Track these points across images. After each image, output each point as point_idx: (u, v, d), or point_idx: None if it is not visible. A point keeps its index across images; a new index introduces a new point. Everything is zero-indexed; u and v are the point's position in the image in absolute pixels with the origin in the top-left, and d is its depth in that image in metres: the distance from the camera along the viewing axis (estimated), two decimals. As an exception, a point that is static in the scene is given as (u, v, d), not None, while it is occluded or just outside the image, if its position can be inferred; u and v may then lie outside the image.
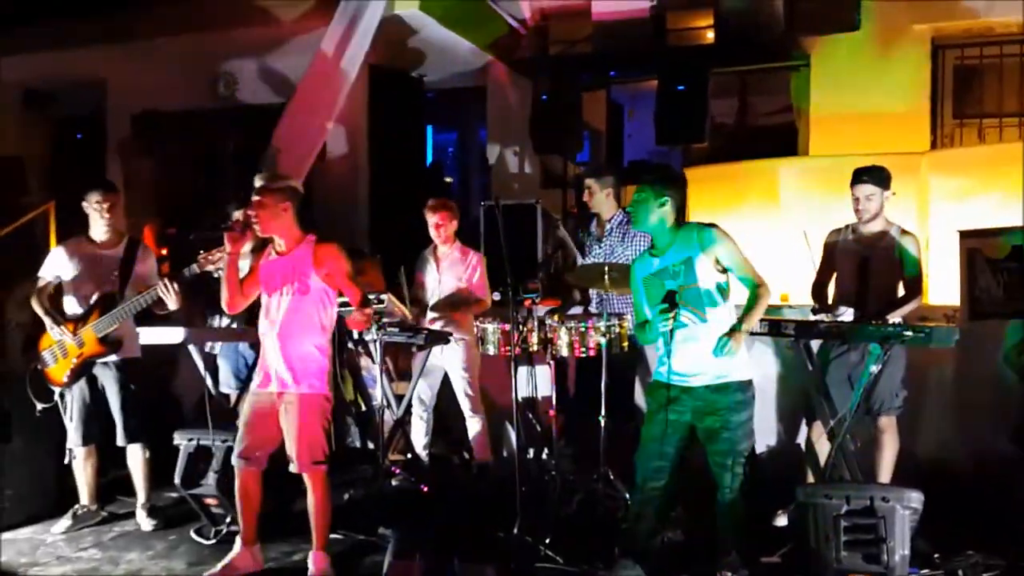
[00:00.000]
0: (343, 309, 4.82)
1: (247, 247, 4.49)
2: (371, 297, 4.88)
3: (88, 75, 9.84)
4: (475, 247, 5.97)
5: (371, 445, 6.24)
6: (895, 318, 4.42)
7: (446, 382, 5.71)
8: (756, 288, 3.84)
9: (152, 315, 4.95)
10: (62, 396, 4.95)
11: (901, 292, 4.63)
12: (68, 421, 4.97)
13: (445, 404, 5.82)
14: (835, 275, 4.88)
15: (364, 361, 6.35)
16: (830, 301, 4.84)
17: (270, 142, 8.15)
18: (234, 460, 4.24)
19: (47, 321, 4.82)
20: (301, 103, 8.32)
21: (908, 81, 8.55)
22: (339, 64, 8.21)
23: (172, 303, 4.66)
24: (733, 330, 3.77)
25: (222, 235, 4.24)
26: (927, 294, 5.54)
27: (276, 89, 9.33)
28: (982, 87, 8.88)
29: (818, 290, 4.92)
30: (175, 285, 4.60)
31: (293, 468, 4.13)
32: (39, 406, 4.91)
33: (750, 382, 3.89)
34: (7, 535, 4.88)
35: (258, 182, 4.24)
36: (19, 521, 5.04)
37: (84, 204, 4.97)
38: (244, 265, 4.40)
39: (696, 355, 3.81)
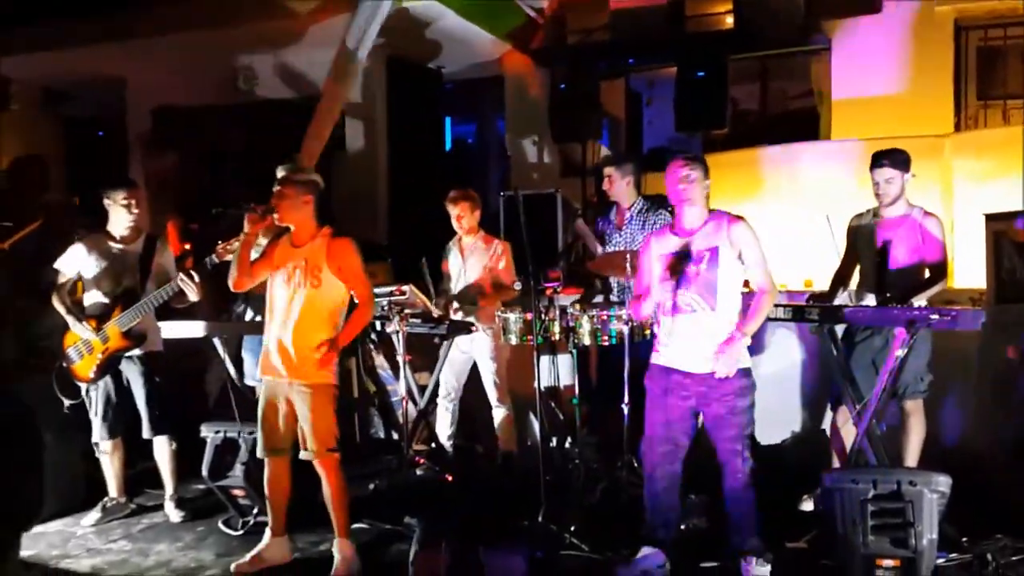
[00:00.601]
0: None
1: (263, 239, 4.52)
2: (384, 291, 4.92)
3: (106, 73, 9.89)
4: (495, 236, 5.97)
5: (395, 435, 6.27)
6: (920, 301, 4.38)
7: (472, 372, 5.72)
8: (763, 292, 3.85)
9: (174, 309, 5.00)
10: (87, 392, 5.00)
11: (926, 275, 4.58)
12: (93, 416, 5.02)
13: (468, 394, 5.83)
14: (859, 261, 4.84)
15: (379, 360, 6.37)
16: (853, 287, 4.81)
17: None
18: (260, 452, 4.28)
19: (70, 319, 4.87)
20: (328, 101, 8.33)
21: (931, 63, 8.47)
22: (360, 57, 8.20)
23: (193, 295, 4.76)
24: (731, 339, 3.79)
25: (243, 214, 4.26)
26: (952, 277, 5.48)
27: (294, 84, 9.36)
28: (1006, 68, 8.78)
29: (839, 279, 4.88)
30: (195, 277, 4.67)
31: (304, 455, 4.17)
32: (66, 403, 4.97)
33: (750, 370, 3.91)
34: (37, 528, 4.93)
35: (281, 172, 4.26)
36: (49, 514, 5.09)
37: (106, 201, 5.00)
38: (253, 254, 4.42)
39: (702, 343, 3.81)
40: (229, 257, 4.48)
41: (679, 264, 3.86)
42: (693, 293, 3.84)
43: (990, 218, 5.18)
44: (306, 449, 4.15)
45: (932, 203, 5.14)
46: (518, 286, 5.46)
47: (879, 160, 4.59)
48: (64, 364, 4.95)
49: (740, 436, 3.83)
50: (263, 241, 4.49)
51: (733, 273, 3.83)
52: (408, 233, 8.92)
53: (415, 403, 5.44)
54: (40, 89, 10.61)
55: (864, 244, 4.75)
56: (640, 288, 4.09)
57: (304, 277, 4.15)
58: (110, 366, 4.93)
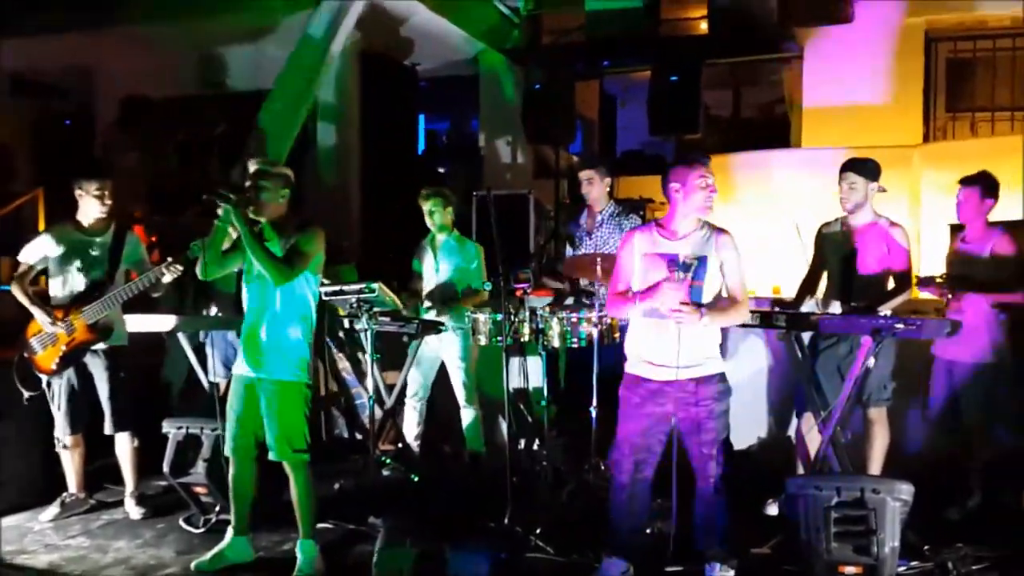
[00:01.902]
0: (330, 299, 4.82)
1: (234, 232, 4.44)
2: (353, 289, 4.86)
3: (76, 62, 9.76)
4: (467, 237, 5.95)
5: (359, 436, 6.23)
6: (885, 310, 4.42)
7: (442, 373, 5.70)
8: (737, 302, 3.82)
9: (142, 303, 4.93)
10: (49, 384, 4.92)
11: (891, 285, 4.63)
12: (56, 410, 4.94)
13: (435, 394, 5.81)
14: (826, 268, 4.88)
15: (343, 364, 6.33)
16: (820, 295, 4.84)
17: (255, 128, 8.10)
18: (226, 449, 4.22)
19: (33, 309, 4.78)
20: (288, 89, 8.26)
21: (901, 74, 8.58)
22: (326, 49, 8.13)
23: (168, 279, 4.68)
24: (696, 304, 3.68)
25: (213, 211, 4.11)
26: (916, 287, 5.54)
27: (263, 76, 9.27)
28: (975, 80, 8.92)
29: (804, 286, 4.90)
30: (178, 267, 4.62)
31: (272, 456, 4.11)
32: (26, 394, 4.88)
33: (725, 375, 3.89)
34: (-6, 522, 4.86)
35: (254, 166, 4.19)
36: (7, 509, 5.00)
37: (77, 192, 4.92)
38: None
39: (685, 348, 3.77)
40: None
41: (664, 264, 3.78)
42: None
43: (955, 228, 5.24)
44: (273, 449, 4.10)
45: (900, 213, 5.20)
46: (488, 287, 5.46)
47: (846, 166, 4.65)
48: (25, 354, 4.86)
49: (715, 441, 3.81)
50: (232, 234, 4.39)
51: (714, 284, 3.81)
52: (380, 230, 8.89)
53: (382, 403, 5.40)
54: (7, 77, 10.43)
55: (831, 252, 4.79)
56: (620, 284, 3.95)
57: None
58: (74, 359, 4.85)
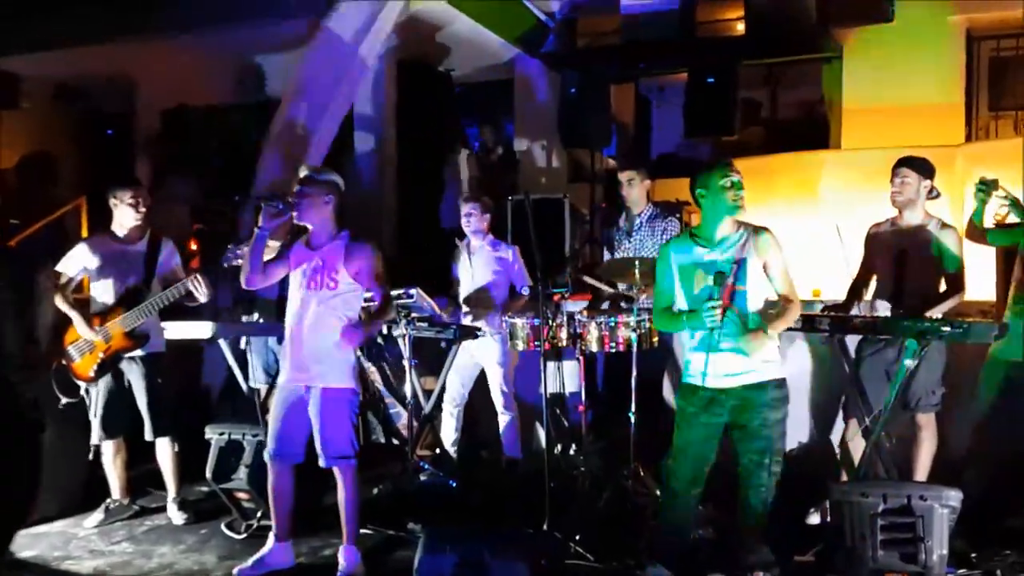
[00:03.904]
0: (368, 304, 4.83)
1: (275, 243, 4.47)
2: (398, 293, 4.89)
3: (118, 70, 9.89)
4: (503, 240, 5.94)
5: (395, 442, 6.24)
6: (935, 314, 4.34)
7: (479, 378, 5.69)
8: (788, 302, 3.76)
9: (182, 309, 4.98)
10: (87, 391, 4.98)
11: (942, 288, 4.54)
12: (93, 416, 5.00)
13: (473, 400, 5.80)
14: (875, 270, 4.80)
15: (373, 375, 6.33)
16: (869, 297, 4.76)
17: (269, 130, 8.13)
18: (266, 456, 4.25)
19: (74, 316, 4.85)
20: (311, 91, 8.27)
21: (942, 73, 8.45)
22: (354, 53, 8.14)
23: (202, 296, 4.75)
24: (757, 328, 3.68)
25: (258, 208, 4.18)
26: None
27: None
28: (1018, 79, 8.74)
29: (854, 289, 4.83)
30: (205, 278, 4.67)
31: (321, 462, 4.13)
32: (63, 400, 4.94)
33: (784, 380, 3.82)
34: (40, 528, 4.92)
35: (303, 171, 4.23)
36: (52, 515, 5.08)
37: (112, 201, 4.99)
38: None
39: (734, 356, 3.72)
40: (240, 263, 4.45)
41: (704, 273, 3.73)
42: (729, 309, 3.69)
43: (1000, 227, 5.13)
44: (322, 455, 4.12)
45: (943, 214, 5.11)
46: (526, 291, 5.45)
47: (900, 162, 4.58)
48: (64, 362, 4.93)
49: (768, 449, 3.72)
50: (274, 244, 4.43)
51: (760, 285, 3.73)
52: (417, 236, 8.91)
53: (420, 408, 5.41)
54: (52, 86, 10.60)
55: (880, 254, 4.71)
56: (662, 301, 3.93)
57: (320, 278, 4.12)
58: (110, 366, 4.91)
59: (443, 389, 5.53)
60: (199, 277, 4.70)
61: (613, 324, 4.89)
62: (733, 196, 3.72)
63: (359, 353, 6.10)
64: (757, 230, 3.77)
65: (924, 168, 4.54)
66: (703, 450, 3.82)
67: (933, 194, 4.59)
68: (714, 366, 3.72)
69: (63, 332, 4.91)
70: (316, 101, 8.16)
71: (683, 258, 3.83)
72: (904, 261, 4.54)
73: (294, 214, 4.12)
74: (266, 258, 4.22)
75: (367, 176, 9.42)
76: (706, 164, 3.85)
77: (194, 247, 6.81)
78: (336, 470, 4.14)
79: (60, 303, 4.86)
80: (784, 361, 3.87)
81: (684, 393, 3.89)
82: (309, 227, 4.19)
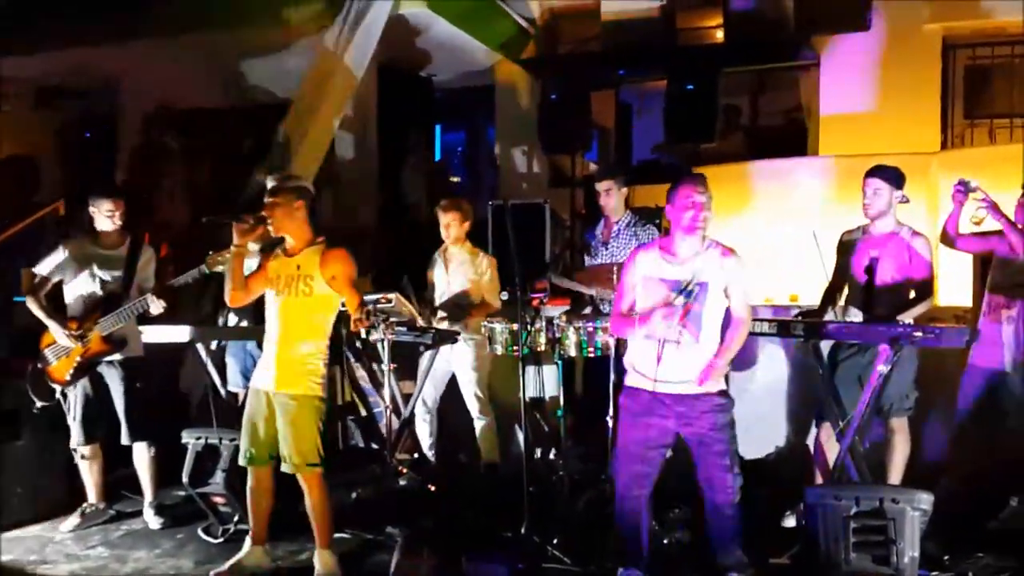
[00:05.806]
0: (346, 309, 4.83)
1: (255, 246, 4.47)
2: (371, 299, 4.89)
3: (101, 73, 9.83)
4: (483, 246, 5.95)
5: (374, 446, 6.24)
6: (906, 319, 4.39)
7: (451, 384, 5.69)
8: (741, 322, 3.83)
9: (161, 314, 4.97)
10: (64, 395, 4.96)
11: (912, 294, 4.59)
12: (71, 420, 4.98)
13: (452, 404, 5.81)
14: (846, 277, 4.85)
15: (360, 372, 6.34)
16: (842, 303, 4.81)
17: (275, 139, 8.13)
18: (242, 460, 4.24)
19: (48, 321, 4.82)
20: (306, 101, 8.28)
21: (918, 81, 8.52)
22: (344, 62, 8.15)
23: (155, 312, 4.77)
24: (711, 366, 3.75)
25: (231, 223, 4.19)
26: (936, 295, 5.51)
27: (289, 88, 9.30)
28: (993, 87, 8.85)
29: (829, 294, 4.88)
30: (160, 300, 4.72)
31: (285, 468, 4.12)
32: (38, 404, 4.92)
33: (726, 389, 3.89)
34: (16, 533, 4.90)
35: (271, 182, 4.23)
36: (28, 519, 5.06)
37: (91, 208, 4.98)
38: (251, 264, 4.38)
39: (683, 365, 3.77)
40: (219, 268, 4.43)
41: (665, 290, 3.78)
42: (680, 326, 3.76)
43: (977, 235, 5.19)
44: (287, 462, 4.11)
45: (918, 221, 5.17)
46: (504, 296, 5.45)
47: (871, 172, 4.62)
48: (39, 365, 4.90)
49: (728, 451, 3.78)
50: (254, 247, 4.42)
51: (718, 305, 3.80)
52: (397, 241, 8.90)
53: (399, 412, 5.41)
54: (35, 90, 10.52)
55: (852, 260, 4.76)
56: (623, 305, 3.97)
57: (295, 285, 4.12)
58: (87, 369, 4.90)
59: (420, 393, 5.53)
60: (152, 298, 4.73)
61: (591, 329, 4.91)
62: (693, 217, 3.74)
63: (349, 352, 6.13)
64: (725, 251, 3.81)
65: (896, 178, 4.58)
66: (645, 451, 3.86)
67: (903, 200, 4.65)
68: (662, 372, 3.77)
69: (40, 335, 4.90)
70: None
71: (648, 268, 3.87)
72: (875, 268, 4.59)
73: (270, 227, 4.12)
74: (246, 272, 4.23)
75: (348, 181, 9.39)
76: (677, 180, 3.88)
77: (164, 254, 6.76)
78: (300, 478, 4.13)
79: (32, 306, 4.84)
80: (758, 365, 3.92)
81: (627, 394, 3.94)
82: (286, 238, 4.19)
